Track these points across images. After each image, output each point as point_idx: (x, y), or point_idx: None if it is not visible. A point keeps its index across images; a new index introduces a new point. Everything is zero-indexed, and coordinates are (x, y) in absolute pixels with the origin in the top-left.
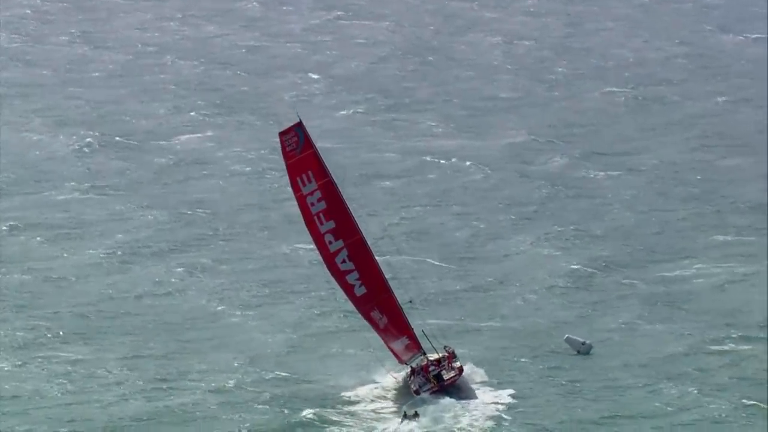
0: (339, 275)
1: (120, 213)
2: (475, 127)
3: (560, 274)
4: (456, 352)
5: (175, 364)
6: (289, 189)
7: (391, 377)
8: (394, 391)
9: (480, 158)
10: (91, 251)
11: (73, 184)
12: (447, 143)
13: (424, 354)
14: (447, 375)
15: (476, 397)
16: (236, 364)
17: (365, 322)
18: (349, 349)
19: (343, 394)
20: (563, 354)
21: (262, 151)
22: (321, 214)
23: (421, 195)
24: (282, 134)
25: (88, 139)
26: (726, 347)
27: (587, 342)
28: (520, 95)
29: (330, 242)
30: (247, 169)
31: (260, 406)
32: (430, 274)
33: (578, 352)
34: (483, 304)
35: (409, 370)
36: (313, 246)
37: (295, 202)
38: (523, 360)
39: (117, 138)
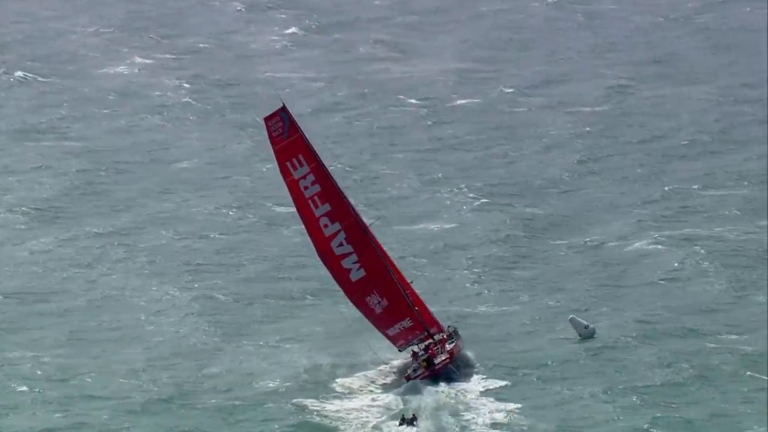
0: (334, 260)
1: None
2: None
3: None
4: (459, 331)
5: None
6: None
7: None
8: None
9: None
10: None
11: None
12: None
13: (429, 334)
14: (438, 359)
15: (477, 395)
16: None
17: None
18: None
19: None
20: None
21: None
22: (316, 197)
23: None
24: (267, 119)
25: None
26: None
27: (591, 326)
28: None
29: (326, 225)
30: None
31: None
32: None
33: (580, 335)
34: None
35: (411, 353)
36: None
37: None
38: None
39: None
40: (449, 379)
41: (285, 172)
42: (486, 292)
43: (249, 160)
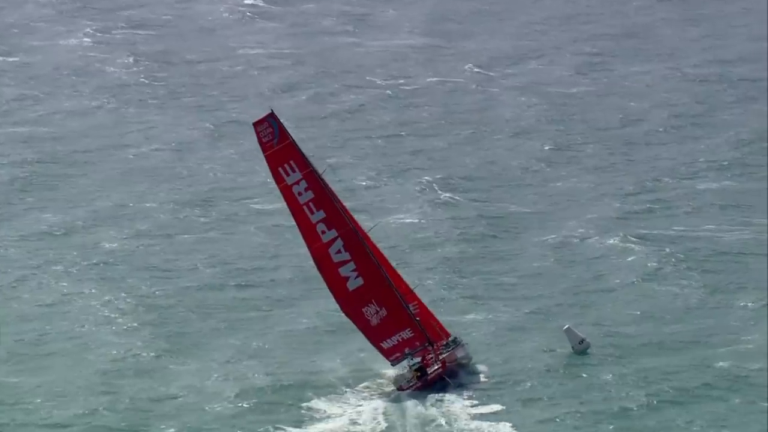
0: (331, 268)
1: None
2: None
3: None
4: (458, 339)
5: None
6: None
7: None
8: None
9: None
10: None
11: None
12: None
13: (431, 344)
14: (431, 369)
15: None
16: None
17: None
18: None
19: None
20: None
21: None
22: (310, 204)
23: None
24: (256, 124)
25: None
26: None
27: (586, 339)
28: None
29: (323, 232)
30: None
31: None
32: None
33: (573, 348)
34: None
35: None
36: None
37: None
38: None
39: None
40: (443, 389)
41: (277, 178)
42: (453, 297)
43: (211, 146)
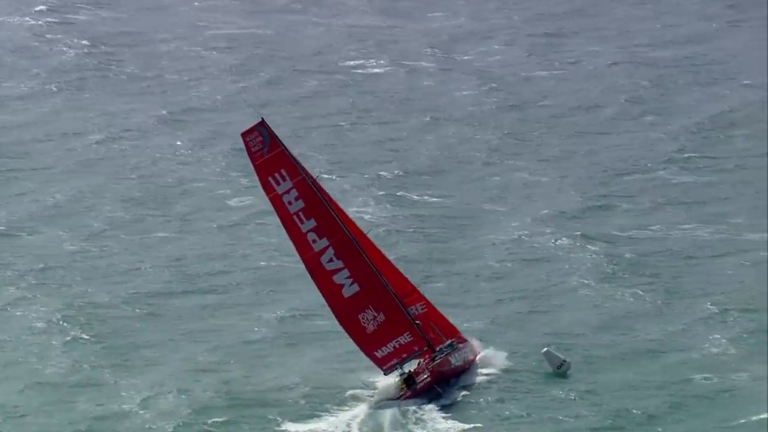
0: (325, 277)
1: None
2: None
3: None
4: (455, 343)
5: None
6: None
7: None
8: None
9: None
10: None
11: None
12: None
13: (431, 347)
14: (420, 379)
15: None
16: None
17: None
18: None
19: None
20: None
21: None
22: (300, 213)
23: None
24: (244, 135)
25: None
26: None
27: (567, 361)
28: None
29: (314, 241)
30: None
31: None
32: None
33: (554, 370)
34: None
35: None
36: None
37: None
38: None
39: None
40: (429, 400)
41: (267, 187)
42: None
43: (168, 135)
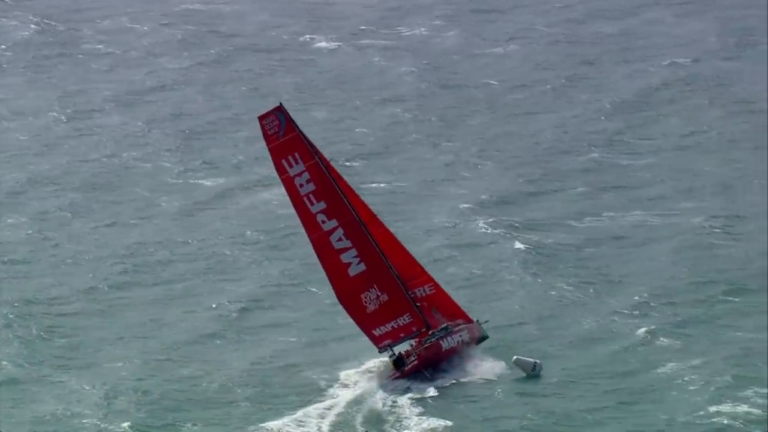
0: (332, 255)
1: None
2: None
3: None
4: (449, 327)
5: None
6: None
7: None
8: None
9: None
10: None
11: None
12: None
13: (428, 329)
14: (409, 360)
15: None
16: None
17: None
18: None
19: None
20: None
21: None
22: (311, 195)
23: None
24: (261, 118)
25: None
26: None
27: (539, 362)
28: None
29: (323, 221)
30: None
31: None
32: None
33: (530, 371)
34: None
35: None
36: None
37: None
38: None
39: None
40: (415, 382)
41: (280, 169)
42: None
43: (106, 115)
